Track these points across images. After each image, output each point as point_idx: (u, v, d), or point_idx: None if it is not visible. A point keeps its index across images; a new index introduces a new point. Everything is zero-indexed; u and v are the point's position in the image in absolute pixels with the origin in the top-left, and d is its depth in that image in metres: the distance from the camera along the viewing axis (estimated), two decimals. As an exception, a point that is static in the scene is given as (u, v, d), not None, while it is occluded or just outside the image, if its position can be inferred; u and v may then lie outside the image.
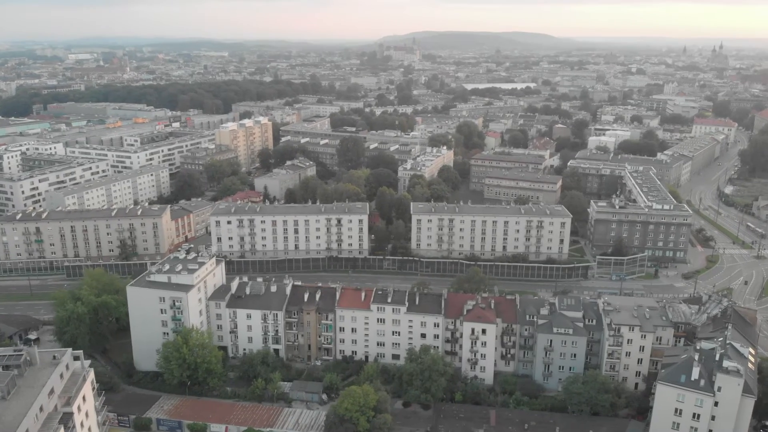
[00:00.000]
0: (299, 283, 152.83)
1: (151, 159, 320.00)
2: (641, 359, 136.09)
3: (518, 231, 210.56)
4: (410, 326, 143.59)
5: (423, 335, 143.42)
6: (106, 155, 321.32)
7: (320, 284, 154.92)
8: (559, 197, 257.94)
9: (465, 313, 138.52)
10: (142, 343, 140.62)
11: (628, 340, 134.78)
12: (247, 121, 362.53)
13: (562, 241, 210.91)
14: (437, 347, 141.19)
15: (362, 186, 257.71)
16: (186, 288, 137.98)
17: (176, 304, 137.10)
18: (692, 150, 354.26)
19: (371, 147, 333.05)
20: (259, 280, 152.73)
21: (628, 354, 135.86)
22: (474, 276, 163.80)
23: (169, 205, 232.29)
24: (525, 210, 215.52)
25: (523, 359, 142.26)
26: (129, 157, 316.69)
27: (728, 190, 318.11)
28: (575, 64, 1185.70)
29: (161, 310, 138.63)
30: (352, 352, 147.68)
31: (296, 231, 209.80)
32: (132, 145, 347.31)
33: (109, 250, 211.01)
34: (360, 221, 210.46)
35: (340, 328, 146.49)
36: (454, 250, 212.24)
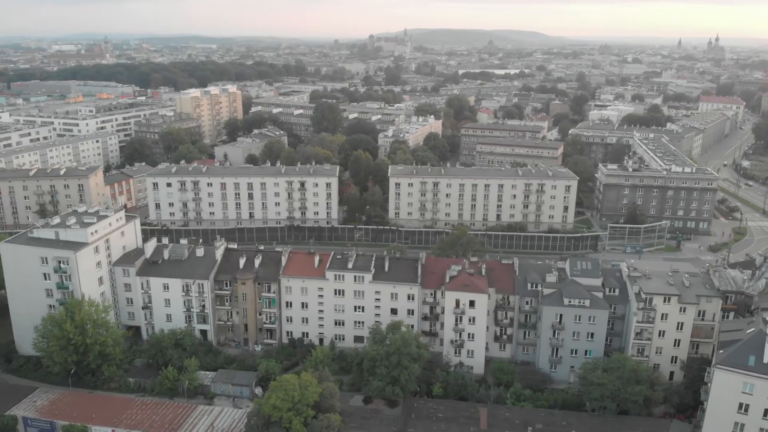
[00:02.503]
0: (234, 246, 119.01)
1: (102, 127, 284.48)
2: (679, 340, 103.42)
3: (515, 196, 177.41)
4: (377, 299, 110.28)
5: (394, 311, 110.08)
6: (52, 122, 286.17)
7: (262, 247, 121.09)
8: (561, 164, 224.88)
9: (448, 280, 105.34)
10: (23, 318, 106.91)
11: (663, 315, 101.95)
12: (213, 89, 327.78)
13: (566, 208, 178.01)
14: (412, 326, 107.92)
15: (336, 152, 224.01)
16: (76, 246, 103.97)
17: (62, 266, 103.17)
18: (703, 123, 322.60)
19: (350, 117, 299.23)
20: (183, 241, 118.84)
21: (661, 334, 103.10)
22: (460, 237, 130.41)
23: (101, 166, 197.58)
24: (523, 172, 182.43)
25: (524, 341, 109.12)
26: (77, 125, 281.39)
27: (745, 164, 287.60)
28: (569, 55, 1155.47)
29: (44, 274, 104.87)
30: (303, 333, 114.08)
31: (251, 196, 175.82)
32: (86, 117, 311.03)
33: (27, 218, 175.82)
34: (328, 185, 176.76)
35: (287, 302, 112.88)
36: (438, 220, 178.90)
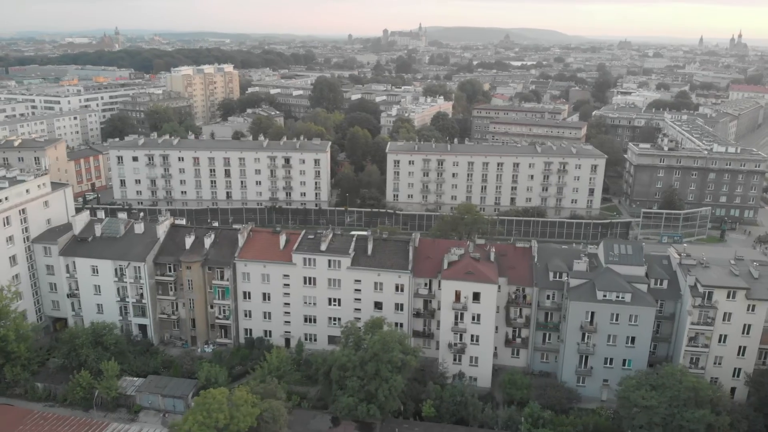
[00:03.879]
0: (182, 222, 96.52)
1: (86, 105, 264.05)
2: (744, 347, 79.57)
3: (533, 177, 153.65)
4: (357, 290, 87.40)
5: (378, 305, 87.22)
6: (33, 100, 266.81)
7: (215, 224, 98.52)
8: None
9: (446, 267, 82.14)
10: None
11: (726, 314, 78.17)
12: (207, 67, 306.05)
13: (592, 191, 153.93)
14: (400, 324, 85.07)
15: (332, 131, 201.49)
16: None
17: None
18: (737, 109, 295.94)
19: (353, 98, 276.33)
20: (122, 215, 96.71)
21: (722, 339, 79.34)
22: (463, 216, 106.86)
23: (62, 139, 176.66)
24: (543, 149, 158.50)
25: (543, 346, 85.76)
26: (59, 102, 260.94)
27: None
28: (588, 50, 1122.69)
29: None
30: (265, 332, 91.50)
31: (227, 173, 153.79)
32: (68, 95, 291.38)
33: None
34: (316, 162, 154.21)
35: (244, 293, 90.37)
36: (443, 203, 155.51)
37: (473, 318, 79.82)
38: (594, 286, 79.19)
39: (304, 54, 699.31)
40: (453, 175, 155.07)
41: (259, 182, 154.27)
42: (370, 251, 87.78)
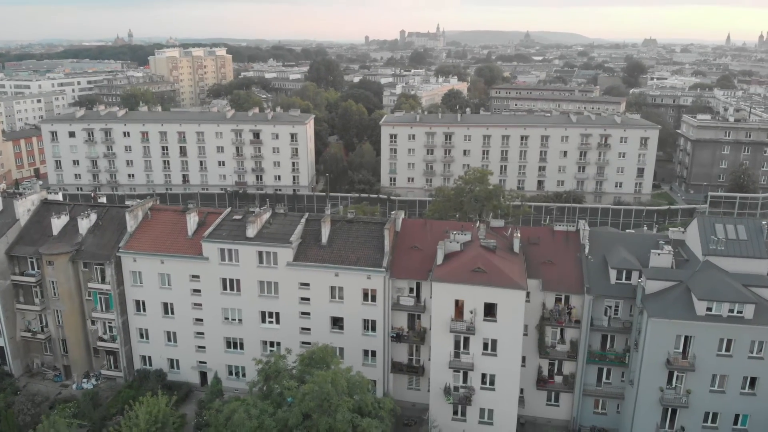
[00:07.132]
0: (57, 197, 66.39)
1: (60, 90, 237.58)
2: None
3: (566, 154, 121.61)
4: (304, 299, 56.41)
5: (337, 323, 56.26)
6: (3, 85, 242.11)
7: (104, 199, 68.20)
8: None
9: (439, 262, 50.85)
10: None
11: None
12: (196, 50, 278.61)
13: (641, 171, 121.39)
14: (373, 353, 54.04)
15: (323, 110, 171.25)
16: None
17: None
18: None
19: (355, 80, 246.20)
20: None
21: None
22: (472, 186, 75.28)
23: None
24: (579, 119, 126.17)
25: (599, 390, 53.81)
26: (28, 87, 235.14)
27: None
28: (611, 47, 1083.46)
29: None
30: (170, 362, 60.90)
31: (183, 151, 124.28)
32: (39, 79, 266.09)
33: None
34: (293, 137, 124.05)
35: (137, 302, 59.88)
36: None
37: (486, 346, 48.35)
38: (689, 293, 47.34)
39: (315, 50, 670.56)
40: (464, 152, 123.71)
41: (223, 162, 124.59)
42: (325, 239, 56.72)
